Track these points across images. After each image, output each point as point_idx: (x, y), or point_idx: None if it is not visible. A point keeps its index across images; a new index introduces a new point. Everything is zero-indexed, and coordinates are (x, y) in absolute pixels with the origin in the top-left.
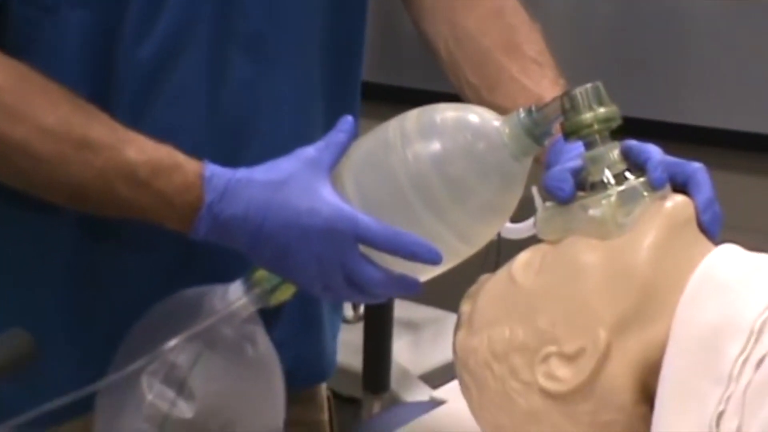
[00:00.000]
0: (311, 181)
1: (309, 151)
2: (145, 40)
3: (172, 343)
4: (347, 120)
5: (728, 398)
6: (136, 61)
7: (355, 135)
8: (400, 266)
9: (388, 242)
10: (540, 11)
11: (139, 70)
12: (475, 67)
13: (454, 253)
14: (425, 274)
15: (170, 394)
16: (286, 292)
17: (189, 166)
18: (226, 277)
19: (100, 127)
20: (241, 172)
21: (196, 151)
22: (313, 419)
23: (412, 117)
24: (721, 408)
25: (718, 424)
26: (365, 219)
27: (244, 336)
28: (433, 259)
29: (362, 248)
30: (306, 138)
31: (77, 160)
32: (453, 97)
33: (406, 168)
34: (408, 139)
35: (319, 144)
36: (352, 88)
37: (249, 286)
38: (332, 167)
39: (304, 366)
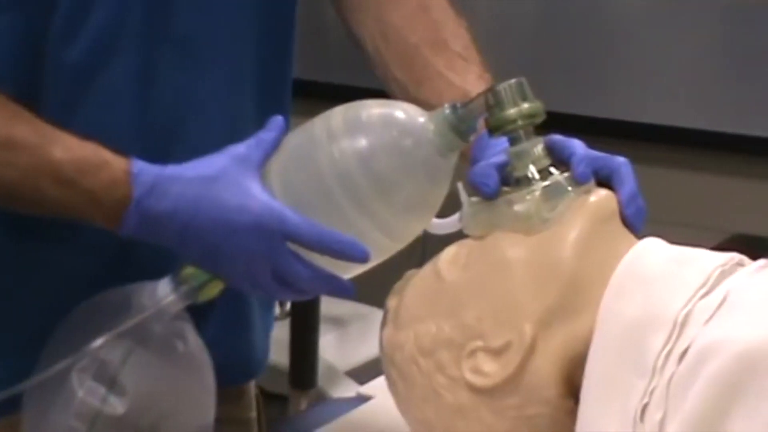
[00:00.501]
0: (241, 178)
1: (239, 148)
2: (73, 42)
3: (102, 340)
4: (277, 119)
5: (652, 391)
6: (64, 63)
7: (285, 133)
8: (328, 263)
9: (316, 240)
10: (465, 8)
11: (68, 71)
12: (401, 63)
13: (381, 250)
14: (352, 270)
15: (101, 390)
16: (214, 289)
17: (116, 162)
18: (160, 274)
19: (24, 126)
20: (170, 169)
21: (126, 152)
22: (242, 417)
23: (338, 114)
24: (645, 401)
25: (642, 417)
26: (294, 217)
27: (173, 333)
28: (361, 257)
29: (291, 245)
30: (237, 137)
31: (3, 160)
32: (382, 93)
33: (332, 165)
34: (334, 136)
35: (250, 141)
36: (284, 87)
37: (177, 284)
38: (262, 164)
39: (234, 363)
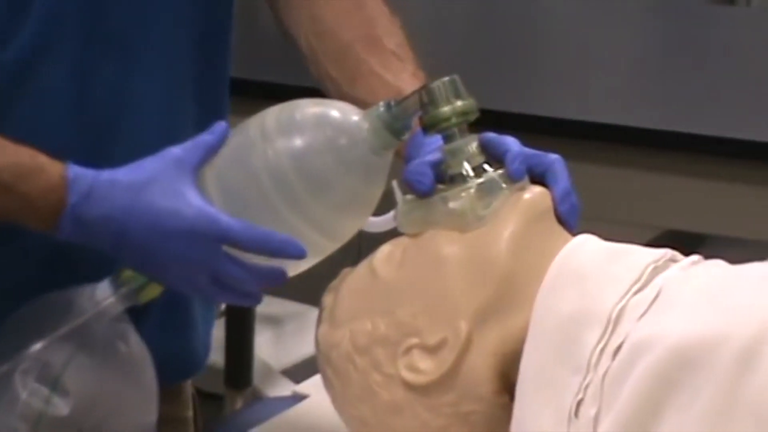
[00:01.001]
0: (175, 182)
1: (175, 151)
2: (9, 43)
3: (44, 343)
4: (221, 124)
5: (587, 387)
6: (1, 63)
7: (226, 138)
8: (264, 263)
9: (251, 242)
10: (398, 6)
11: (4, 72)
12: (335, 61)
13: (318, 249)
14: (290, 270)
15: (44, 392)
16: (154, 290)
17: (52, 168)
18: (102, 276)
19: None
20: (105, 174)
21: (62, 153)
22: (178, 416)
23: (272, 114)
24: (579, 396)
25: (576, 413)
26: (228, 220)
27: (115, 334)
28: (297, 254)
29: (227, 248)
30: (175, 137)
31: None
32: (317, 92)
33: (266, 165)
34: (268, 137)
35: (187, 144)
36: (221, 86)
37: (117, 286)
38: (198, 167)
39: (174, 362)
